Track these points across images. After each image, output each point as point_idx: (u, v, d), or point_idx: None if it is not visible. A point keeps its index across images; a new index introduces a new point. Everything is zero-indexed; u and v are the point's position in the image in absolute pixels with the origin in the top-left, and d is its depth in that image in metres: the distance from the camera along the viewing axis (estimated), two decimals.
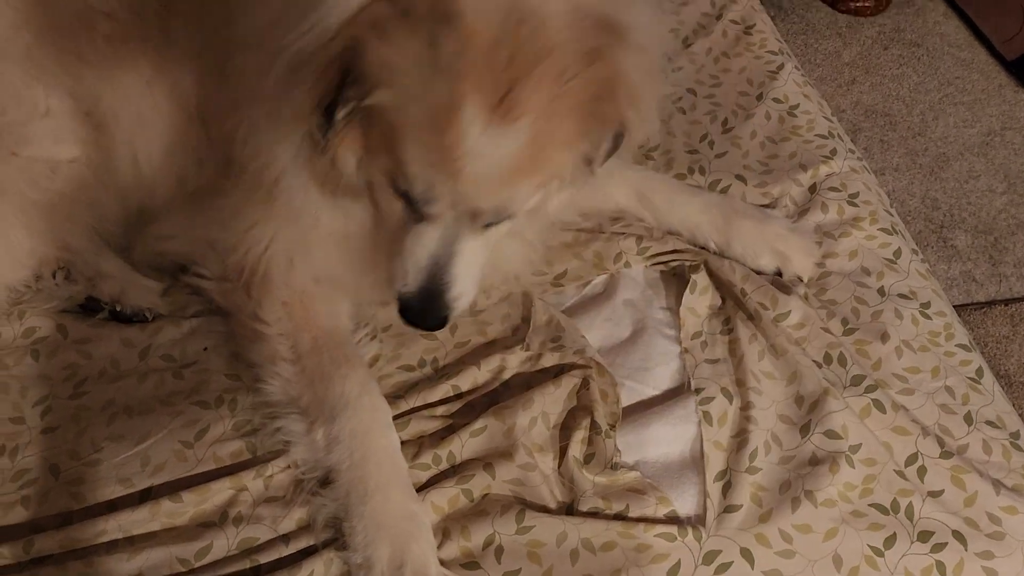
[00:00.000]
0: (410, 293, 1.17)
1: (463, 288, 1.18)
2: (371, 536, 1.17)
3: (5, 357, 1.39)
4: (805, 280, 1.57)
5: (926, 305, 1.55)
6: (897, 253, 1.63)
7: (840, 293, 1.55)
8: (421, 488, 1.27)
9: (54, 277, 1.46)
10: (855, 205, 1.70)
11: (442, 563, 1.20)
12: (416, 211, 1.13)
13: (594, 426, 1.33)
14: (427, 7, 0.98)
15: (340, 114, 1.06)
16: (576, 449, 1.30)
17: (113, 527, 1.19)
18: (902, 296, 1.55)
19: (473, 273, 1.19)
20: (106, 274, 1.47)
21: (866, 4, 3.09)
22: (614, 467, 1.29)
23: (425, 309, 1.18)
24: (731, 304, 1.52)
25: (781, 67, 2.00)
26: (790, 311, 1.50)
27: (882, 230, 1.66)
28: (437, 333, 1.43)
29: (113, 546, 1.18)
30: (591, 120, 1.08)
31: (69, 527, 1.19)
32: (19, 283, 1.41)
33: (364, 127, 1.09)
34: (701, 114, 1.89)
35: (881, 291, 1.55)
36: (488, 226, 1.15)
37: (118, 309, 1.43)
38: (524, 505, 1.24)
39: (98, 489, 1.24)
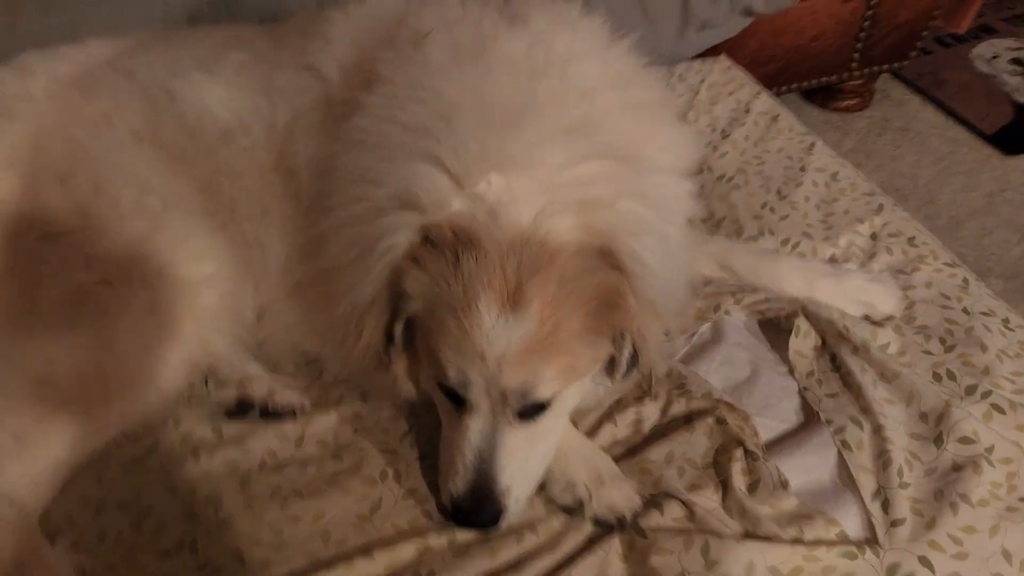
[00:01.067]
0: (459, 495, 1.27)
1: (511, 481, 1.27)
2: (564, 466, 1.34)
3: (167, 462, 1.43)
4: (896, 318, 1.69)
5: (1006, 320, 1.67)
6: (965, 280, 1.77)
7: (929, 318, 1.67)
8: (589, 538, 1.32)
9: (206, 384, 1.52)
10: (915, 246, 1.86)
11: None
12: (459, 403, 1.28)
13: (748, 454, 1.39)
14: (451, 239, 1.21)
15: (397, 329, 1.29)
16: (739, 481, 1.36)
17: None
18: (984, 314, 1.67)
19: (522, 467, 1.29)
20: (253, 376, 1.54)
21: (852, 102, 3.45)
22: (783, 485, 1.34)
23: (474, 508, 1.26)
24: (833, 342, 1.62)
25: (813, 144, 2.22)
26: (889, 342, 1.61)
27: (946, 264, 1.81)
28: None
29: None
30: (600, 319, 1.25)
31: None
32: (175, 391, 1.48)
33: (413, 345, 1.31)
34: (756, 187, 2.07)
35: (965, 311, 1.67)
36: (525, 417, 1.27)
37: (269, 408, 1.50)
38: (706, 535, 1.27)
39: (285, 567, 1.26)
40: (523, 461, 1.30)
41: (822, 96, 3.47)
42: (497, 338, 1.18)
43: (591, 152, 1.29)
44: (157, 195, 1.49)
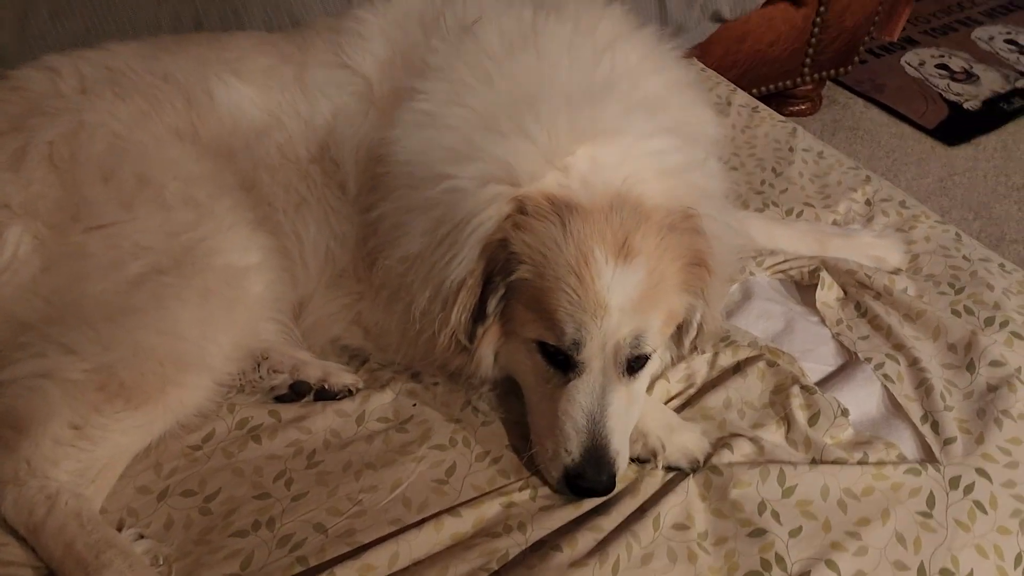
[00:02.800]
0: (575, 461, 1.28)
1: (619, 445, 1.31)
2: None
3: (228, 447, 1.39)
4: (903, 271, 1.79)
5: (1002, 265, 1.80)
6: (957, 235, 1.89)
7: (935, 267, 1.78)
8: (665, 483, 1.34)
9: (258, 369, 1.50)
10: (907, 207, 1.99)
11: (722, 540, 1.25)
12: (566, 366, 1.30)
13: (805, 390, 1.44)
14: (548, 207, 1.28)
15: (492, 303, 1.31)
16: (800, 415, 1.41)
17: (404, 549, 1.21)
18: (982, 260, 1.79)
19: (625, 430, 1.33)
20: (306, 361, 1.53)
21: (804, 107, 3.68)
22: (844, 413, 1.40)
23: (594, 472, 1.27)
24: (855, 291, 1.71)
25: (795, 129, 2.35)
26: (906, 287, 1.71)
27: (937, 221, 1.94)
28: None
29: (419, 568, 1.17)
30: (690, 276, 1.35)
31: (363, 553, 1.19)
32: (228, 376, 1.45)
33: (504, 317, 1.34)
34: (752, 167, 2.18)
35: (965, 258, 1.79)
36: (631, 373, 1.32)
37: (326, 388, 1.48)
38: (779, 465, 1.31)
39: (371, 533, 1.24)
40: (625, 424, 1.32)
41: (776, 102, 3.65)
42: (616, 287, 1.24)
43: (660, 127, 1.38)
44: (202, 187, 1.49)
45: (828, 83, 3.87)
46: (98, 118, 1.50)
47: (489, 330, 1.34)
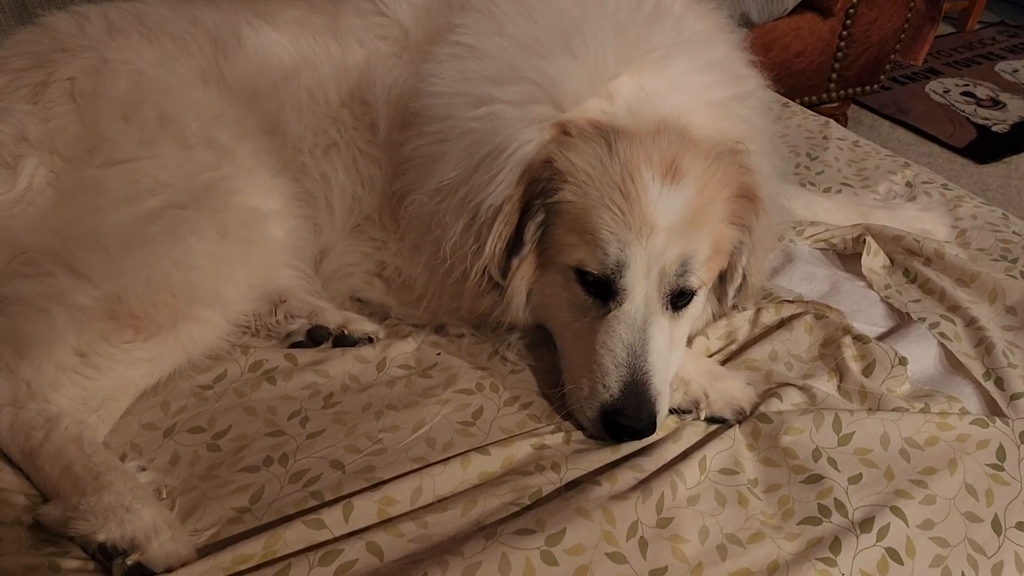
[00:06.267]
0: (613, 397, 1.18)
1: (660, 384, 1.20)
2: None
3: (240, 387, 1.31)
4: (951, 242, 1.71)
5: None
6: (1004, 215, 1.81)
7: (984, 241, 1.70)
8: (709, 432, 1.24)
9: (275, 313, 1.42)
10: (950, 189, 1.91)
11: (774, 487, 1.14)
12: (606, 296, 1.22)
13: (858, 339, 1.35)
14: (593, 129, 1.23)
15: (530, 229, 1.25)
16: (854, 365, 1.31)
17: (428, 485, 1.11)
18: None
19: (667, 370, 1.23)
20: (325, 307, 1.45)
21: None
22: (902, 362, 1.30)
23: (633, 409, 1.17)
24: (903, 258, 1.63)
25: (827, 122, 2.30)
26: (957, 253, 1.62)
27: (982, 202, 1.86)
28: None
29: (443, 504, 1.07)
30: (737, 208, 1.29)
31: (383, 486, 1.10)
32: (243, 316, 1.37)
33: (541, 247, 1.27)
34: (785, 152, 2.11)
35: (1016, 233, 1.71)
36: (675, 307, 1.25)
37: (345, 334, 1.40)
38: (835, 411, 1.21)
39: (392, 470, 1.14)
40: (666, 364, 1.23)
41: None
42: (663, 205, 1.18)
43: (707, 61, 1.34)
44: (224, 130, 1.45)
45: (853, 105, 3.85)
46: (122, 56, 1.47)
47: (524, 262, 1.27)
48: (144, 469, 1.16)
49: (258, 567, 0.99)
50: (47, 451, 1.11)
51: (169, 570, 0.99)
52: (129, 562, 0.99)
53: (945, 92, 4.19)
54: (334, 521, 1.05)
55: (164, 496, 1.12)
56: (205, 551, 1.03)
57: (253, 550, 1.01)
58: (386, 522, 1.05)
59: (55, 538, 1.05)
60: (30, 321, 1.19)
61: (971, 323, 1.44)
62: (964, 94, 4.17)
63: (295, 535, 1.03)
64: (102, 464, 1.10)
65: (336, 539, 1.03)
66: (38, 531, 1.06)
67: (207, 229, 1.33)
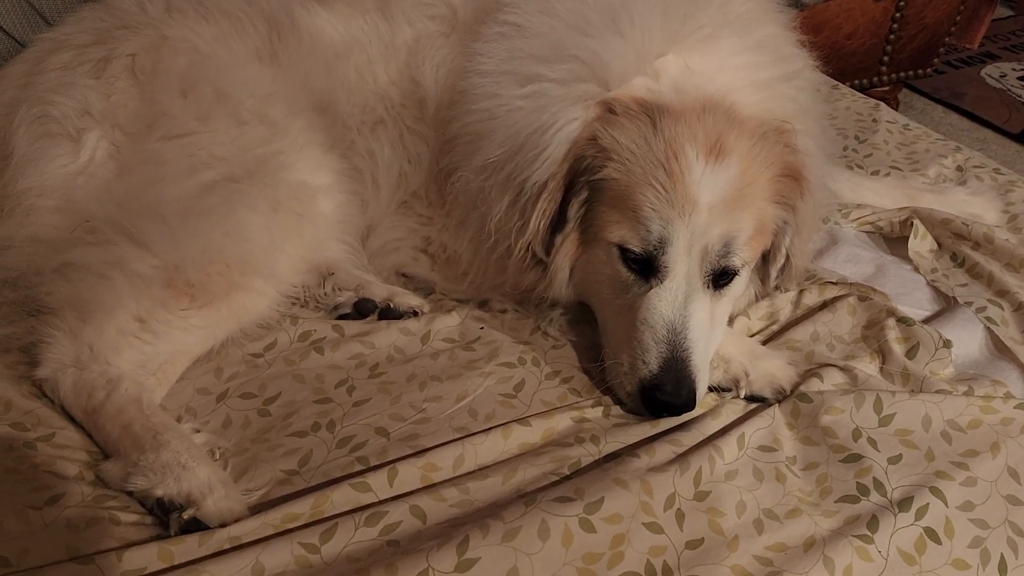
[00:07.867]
0: (652, 372, 1.19)
1: (700, 362, 1.21)
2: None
3: (290, 356, 1.35)
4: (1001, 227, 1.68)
5: None
6: None
7: None
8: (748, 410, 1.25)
9: (323, 285, 1.47)
10: (1002, 174, 1.87)
11: (813, 465, 1.15)
12: (648, 273, 1.23)
13: (902, 321, 1.34)
14: (638, 107, 1.23)
15: (575, 206, 1.26)
16: (897, 347, 1.30)
17: (470, 453, 1.14)
18: None
19: (707, 348, 1.24)
20: (371, 281, 1.49)
21: None
22: (946, 345, 1.29)
23: (672, 385, 1.18)
24: (950, 242, 1.60)
25: (877, 105, 2.27)
26: (1007, 237, 1.59)
27: None
28: None
29: (485, 472, 1.10)
30: (781, 188, 1.28)
31: (426, 453, 1.13)
32: (293, 288, 1.43)
33: (584, 224, 1.28)
34: (833, 135, 2.08)
35: None
36: (716, 286, 1.25)
37: (391, 307, 1.44)
38: (876, 392, 1.21)
39: (435, 439, 1.17)
40: (707, 341, 1.24)
41: None
42: (707, 183, 1.18)
43: (754, 42, 1.34)
44: (277, 107, 1.49)
45: (905, 89, 3.76)
46: (181, 34, 1.51)
47: (567, 239, 1.29)
48: (198, 431, 1.21)
49: (306, 525, 1.03)
50: (108, 411, 1.16)
51: (223, 525, 1.04)
52: (185, 516, 1.04)
53: (1001, 76, 4.07)
54: (379, 485, 1.08)
55: (217, 457, 1.17)
56: (256, 509, 1.07)
57: (302, 509, 1.05)
58: (429, 487, 1.09)
59: (115, 493, 1.11)
60: (93, 287, 1.25)
61: (1019, 308, 1.42)
62: (1021, 78, 4.05)
63: (342, 497, 1.07)
64: (160, 424, 1.15)
65: (381, 502, 1.07)
66: (99, 486, 1.12)
67: (260, 202, 1.37)
